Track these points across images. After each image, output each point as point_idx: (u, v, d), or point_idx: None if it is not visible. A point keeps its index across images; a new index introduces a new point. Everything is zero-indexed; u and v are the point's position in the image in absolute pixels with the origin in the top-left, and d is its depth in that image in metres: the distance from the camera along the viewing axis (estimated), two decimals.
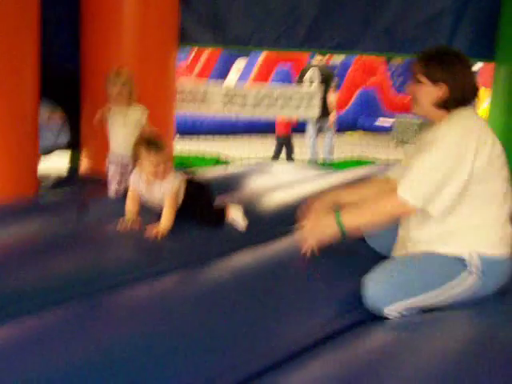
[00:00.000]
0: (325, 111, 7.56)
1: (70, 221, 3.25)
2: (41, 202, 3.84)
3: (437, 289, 2.24)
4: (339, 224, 2.35)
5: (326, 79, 7.86)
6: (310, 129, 8.10)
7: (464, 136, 2.24)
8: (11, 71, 3.84)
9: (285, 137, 8.24)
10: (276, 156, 8.30)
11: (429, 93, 2.35)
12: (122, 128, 3.72)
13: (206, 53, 13.75)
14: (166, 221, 2.94)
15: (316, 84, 7.64)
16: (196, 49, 13.25)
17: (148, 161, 2.91)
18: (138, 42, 4.65)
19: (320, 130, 8.11)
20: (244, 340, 1.99)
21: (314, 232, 2.46)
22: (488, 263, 2.25)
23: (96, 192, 4.03)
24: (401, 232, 2.54)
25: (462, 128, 2.26)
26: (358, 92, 14.27)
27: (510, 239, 2.33)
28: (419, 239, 2.40)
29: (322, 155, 8.09)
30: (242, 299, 2.22)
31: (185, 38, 5.28)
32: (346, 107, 13.99)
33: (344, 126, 12.62)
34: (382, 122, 13.62)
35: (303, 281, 2.41)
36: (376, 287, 2.26)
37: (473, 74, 2.38)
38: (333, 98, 7.98)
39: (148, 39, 4.69)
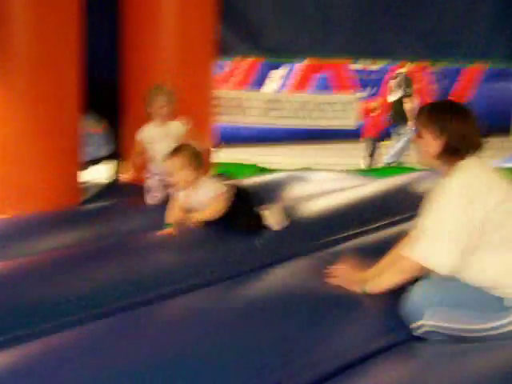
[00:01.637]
0: (402, 117, 8.05)
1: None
2: (83, 212, 3.92)
3: (477, 324, 2.19)
4: (364, 290, 2.41)
5: (405, 87, 8.34)
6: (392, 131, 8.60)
7: (467, 187, 2.23)
8: (53, 81, 3.94)
9: (374, 138, 8.70)
10: (370, 156, 8.68)
11: (429, 146, 2.36)
12: (164, 143, 3.75)
13: (246, 63, 13.80)
14: (209, 211, 2.98)
15: (396, 93, 8.31)
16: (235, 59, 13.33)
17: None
18: (178, 54, 4.71)
19: (398, 135, 8.51)
20: (286, 354, 2.00)
21: (341, 280, 2.48)
22: None
23: (137, 201, 4.10)
24: None
25: (463, 179, 2.26)
26: None
27: None
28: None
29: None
30: (282, 314, 2.23)
31: (224, 50, 5.34)
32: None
33: (384, 134, 12.51)
34: None
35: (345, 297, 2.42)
36: (420, 296, 2.25)
37: (475, 124, 2.38)
38: (410, 105, 8.28)
39: (187, 51, 4.75)
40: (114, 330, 2.08)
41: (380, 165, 8.36)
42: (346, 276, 2.49)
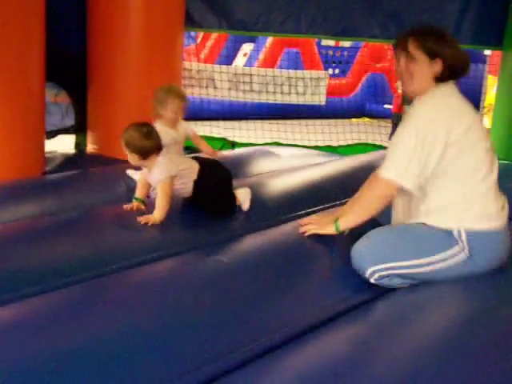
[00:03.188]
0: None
1: None
2: (47, 181, 3.86)
3: (427, 257, 2.25)
4: (337, 228, 2.46)
5: None
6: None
7: (437, 111, 2.27)
8: (17, 52, 3.87)
9: (399, 114, 9.04)
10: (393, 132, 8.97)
11: (427, 68, 2.35)
12: (175, 146, 3.60)
13: (213, 38, 13.69)
14: (157, 212, 2.83)
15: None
16: (202, 34, 13.21)
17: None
18: (144, 25, 4.66)
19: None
20: (247, 320, 2.03)
21: (314, 225, 2.55)
22: (475, 238, 2.25)
23: (102, 172, 4.06)
24: (393, 213, 2.55)
25: (435, 103, 2.31)
26: (365, 77, 14.21)
27: (499, 212, 2.32)
28: (410, 216, 2.42)
29: None
30: (247, 281, 2.26)
31: (190, 23, 5.28)
32: (354, 92, 13.94)
33: (351, 112, 12.60)
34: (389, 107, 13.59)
35: (310, 262, 2.45)
36: (364, 245, 2.31)
37: (461, 50, 2.41)
38: None
39: (154, 23, 4.70)
40: (73, 300, 2.06)
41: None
42: (319, 221, 2.56)
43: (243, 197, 3.14)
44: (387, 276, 2.28)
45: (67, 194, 3.53)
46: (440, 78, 2.36)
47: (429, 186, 2.32)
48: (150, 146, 2.85)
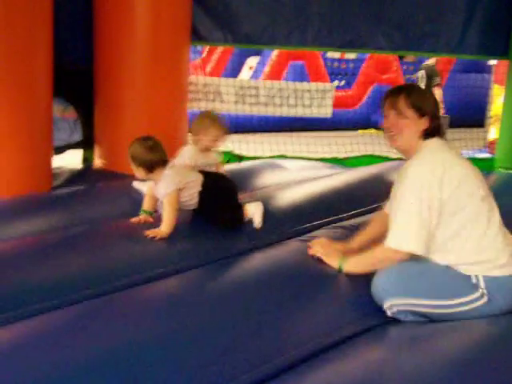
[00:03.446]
0: None
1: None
2: (55, 197, 3.87)
3: (449, 299, 2.25)
4: (340, 266, 2.48)
5: (430, 77, 8.68)
6: None
7: (431, 171, 2.30)
8: (24, 67, 3.89)
9: None
10: None
11: (416, 125, 2.43)
12: (208, 168, 3.51)
13: (218, 51, 13.74)
14: (164, 226, 2.83)
15: (423, 84, 8.52)
16: (208, 48, 13.25)
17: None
18: (151, 39, 4.67)
19: None
20: (255, 340, 2.00)
21: (322, 252, 2.58)
22: (492, 284, 2.25)
23: (109, 187, 4.06)
24: None
25: (427, 162, 2.35)
26: (371, 89, 14.22)
27: (510, 258, 2.31)
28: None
29: None
30: (256, 299, 2.24)
31: (196, 37, 5.30)
32: (359, 104, 13.94)
33: (357, 123, 12.59)
34: None
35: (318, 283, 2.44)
36: (387, 277, 2.31)
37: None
38: (438, 94, 8.56)
39: (161, 37, 4.71)
40: (77, 318, 2.06)
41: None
42: (326, 247, 2.60)
43: (254, 211, 3.10)
44: (404, 311, 2.27)
45: (75, 208, 3.53)
46: (427, 135, 2.43)
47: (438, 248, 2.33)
48: (155, 160, 2.86)
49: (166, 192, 2.86)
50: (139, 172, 2.89)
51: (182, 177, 2.95)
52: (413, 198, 2.30)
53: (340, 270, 2.49)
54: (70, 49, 4.96)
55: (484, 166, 5.72)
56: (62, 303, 2.26)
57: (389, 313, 2.28)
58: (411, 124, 2.43)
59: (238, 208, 3.09)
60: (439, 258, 2.33)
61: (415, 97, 2.44)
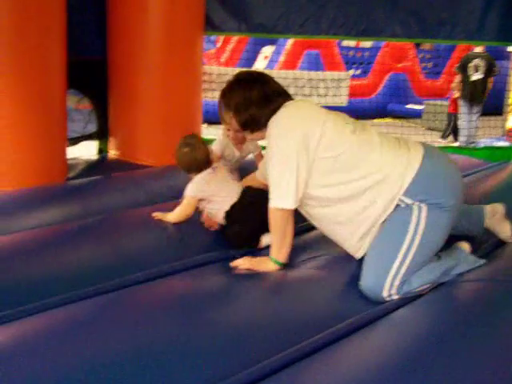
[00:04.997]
0: (480, 97, 8.47)
1: None
2: (71, 187, 3.87)
3: (406, 240, 2.28)
4: (275, 262, 2.48)
5: (489, 67, 8.58)
6: (464, 111, 8.78)
7: (289, 135, 2.38)
8: (38, 59, 3.88)
9: (454, 114, 9.61)
10: (446, 131, 10.00)
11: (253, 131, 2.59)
12: (232, 162, 3.49)
13: (233, 41, 13.72)
14: (171, 215, 2.86)
15: (481, 72, 8.47)
16: (223, 38, 13.24)
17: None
18: (165, 29, 4.65)
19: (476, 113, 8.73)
20: (261, 336, 1.97)
21: (247, 263, 2.50)
22: (415, 190, 2.31)
23: (125, 177, 4.06)
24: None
25: (283, 129, 2.41)
26: (387, 77, 14.12)
27: (411, 159, 2.37)
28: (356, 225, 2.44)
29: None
30: (258, 297, 2.24)
31: (210, 26, 5.28)
32: (376, 93, 13.86)
33: (373, 112, 12.51)
34: (412, 107, 13.50)
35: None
36: (365, 278, 2.30)
37: (253, 85, 2.56)
38: (491, 84, 8.59)
39: (174, 27, 4.69)
40: (100, 310, 2.06)
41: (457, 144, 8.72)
42: (248, 260, 2.51)
43: (267, 242, 2.72)
44: (401, 283, 2.27)
45: (90, 199, 3.54)
46: (251, 123, 2.56)
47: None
48: (194, 166, 2.86)
49: (185, 193, 2.85)
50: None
51: (210, 188, 2.81)
52: (284, 153, 2.37)
53: (281, 265, 2.47)
54: (84, 39, 4.95)
55: (502, 155, 5.66)
56: (76, 296, 2.25)
57: (395, 297, 2.27)
58: (249, 133, 2.62)
59: (256, 240, 2.79)
60: (368, 203, 2.36)
61: (237, 114, 2.58)
